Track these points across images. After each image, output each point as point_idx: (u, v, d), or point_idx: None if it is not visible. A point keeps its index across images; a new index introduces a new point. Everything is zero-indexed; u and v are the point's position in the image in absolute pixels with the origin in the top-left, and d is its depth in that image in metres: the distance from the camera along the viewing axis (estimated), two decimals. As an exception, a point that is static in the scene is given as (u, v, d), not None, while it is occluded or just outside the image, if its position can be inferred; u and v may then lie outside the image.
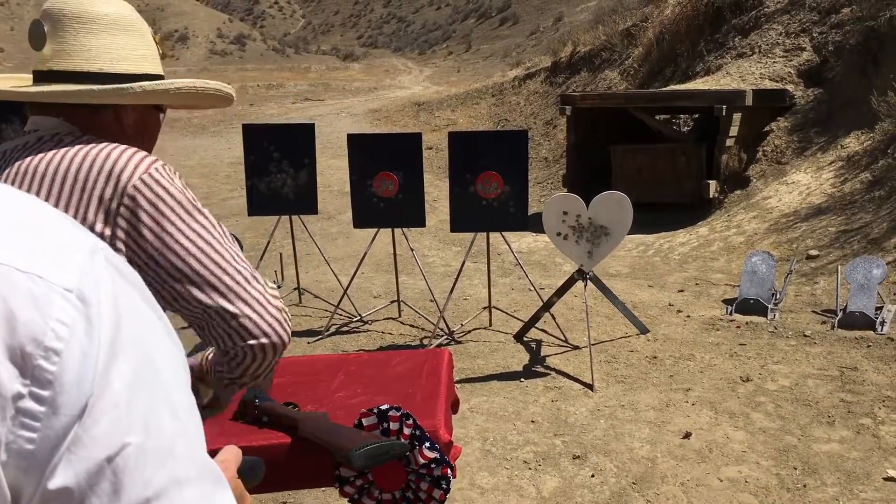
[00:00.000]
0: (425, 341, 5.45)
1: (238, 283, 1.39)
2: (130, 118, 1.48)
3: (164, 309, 1.34)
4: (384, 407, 1.98)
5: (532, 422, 4.25)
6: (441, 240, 8.43)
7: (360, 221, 5.66)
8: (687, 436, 4.00)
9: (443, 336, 5.48)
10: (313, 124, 6.02)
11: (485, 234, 5.53)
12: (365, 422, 1.99)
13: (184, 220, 1.35)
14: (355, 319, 5.90)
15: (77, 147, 1.35)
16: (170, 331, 0.64)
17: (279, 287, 6.86)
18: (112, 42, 1.44)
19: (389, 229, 5.84)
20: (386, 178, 5.51)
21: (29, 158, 1.35)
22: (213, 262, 1.37)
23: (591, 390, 4.60)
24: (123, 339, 0.57)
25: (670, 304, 6.09)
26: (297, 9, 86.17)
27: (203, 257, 1.36)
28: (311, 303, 6.37)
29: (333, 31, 78.58)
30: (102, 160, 1.33)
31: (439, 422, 2.07)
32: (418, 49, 63.03)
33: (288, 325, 1.46)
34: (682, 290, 6.44)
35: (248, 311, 1.39)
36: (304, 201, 5.95)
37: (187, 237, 1.35)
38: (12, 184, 1.31)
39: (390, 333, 5.69)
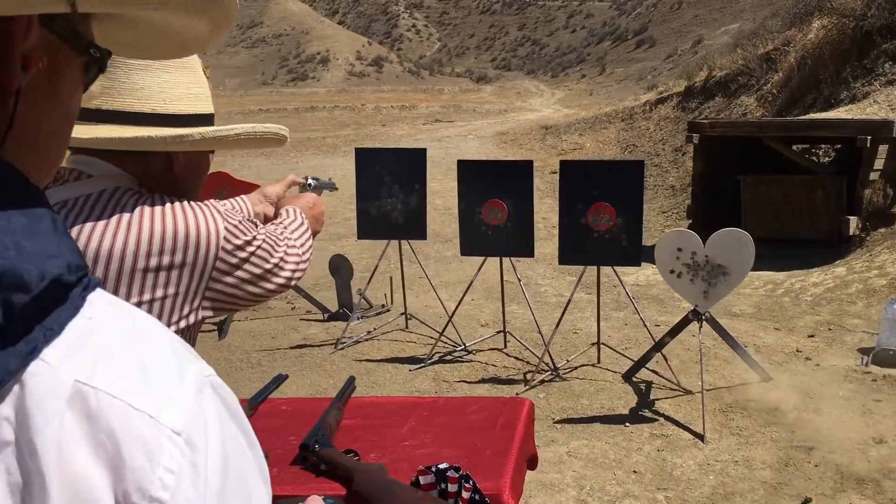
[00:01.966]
0: (528, 376, 5.26)
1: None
2: (182, 162, 1.42)
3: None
4: (443, 466, 1.83)
5: (634, 472, 3.98)
6: (556, 268, 8.20)
7: (467, 249, 5.56)
8: (807, 501, 3.64)
9: (547, 371, 5.27)
10: (424, 150, 5.98)
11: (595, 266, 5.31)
12: (422, 480, 1.85)
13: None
14: (459, 349, 5.79)
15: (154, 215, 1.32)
16: (264, 472, 0.62)
17: (388, 311, 6.87)
18: (166, 80, 1.38)
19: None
20: (495, 206, 5.38)
21: (111, 229, 1.30)
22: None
23: (702, 441, 4.28)
24: (229, 487, 0.56)
25: (798, 351, 5.64)
26: (434, 31, 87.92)
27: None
28: (418, 329, 6.31)
29: (468, 53, 79.62)
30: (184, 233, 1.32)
31: (505, 484, 1.90)
32: (551, 72, 62.88)
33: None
34: (812, 336, 5.96)
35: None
36: (412, 226, 5.90)
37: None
38: (95, 261, 1.28)
39: (493, 365, 5.53)
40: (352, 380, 2.50)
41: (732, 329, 5.54)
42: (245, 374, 5.47)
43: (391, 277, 6.99)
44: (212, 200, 1.41)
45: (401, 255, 6.25)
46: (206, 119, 1.44)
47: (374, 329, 6.35)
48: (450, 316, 5.82)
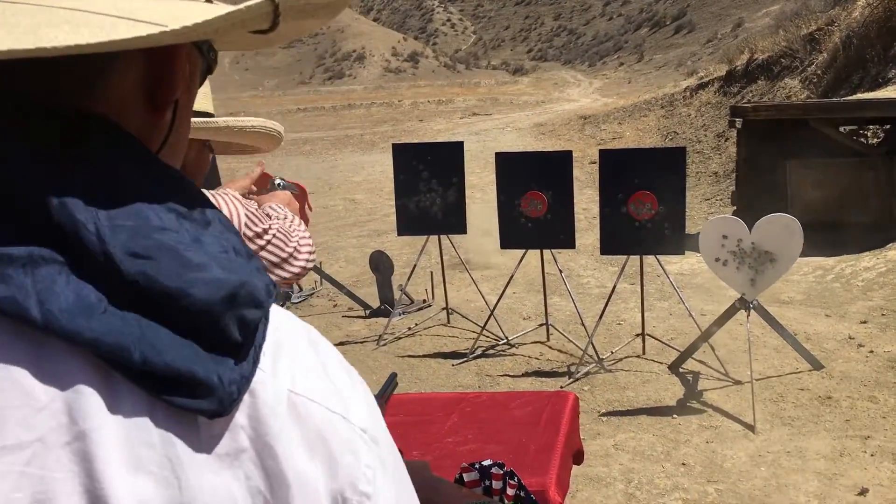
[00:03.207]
0: (572, 368, 5.20)
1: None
2: (192, 155, 1.47)
3: None
4: (486, 463, 1.80)
5: (683, 464, 3.91)
6: (598, 259, 8.10)
7: (507, 242, 5.52)
8: (863, 492, 3.53)
9: (591, 363, 5.21)
10: (461, 143, 5.94)
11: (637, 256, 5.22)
12: (466, 477, 1.82)
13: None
14: (502, 342, 5.74)
15: None
16: None
17: (430, 306, 6.85)
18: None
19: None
20: (535, 198, 5.32)
21: None
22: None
23: (753, 432, 4.19)
24: (401, 478, 0.60)
25: (850, 338, 5.49)
26: (469, 25, 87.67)
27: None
28: (460, 323, 6.28)
29: (504, 45, 79.26)
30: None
31: (550, 480, 1.87)
32: (588, 61, 62.29)
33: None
34: (864, 322, 5.79)
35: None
36: (451, 220, 5.87)
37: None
38: None
39: (537, 358, 5.48)
40: (393, 377, 2.48)
41: (781, 317, 5.41)
42: (289, 372, 5.50)
43: (432, 272, 6.97)
44: (228, 189, 1.45)
45: (440, 249, 6.23)
46: (205, 116, 1.50)
47: (416, 324, 6.34)
48: (491, 310, 5.79)
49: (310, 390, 0.54)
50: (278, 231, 1.51)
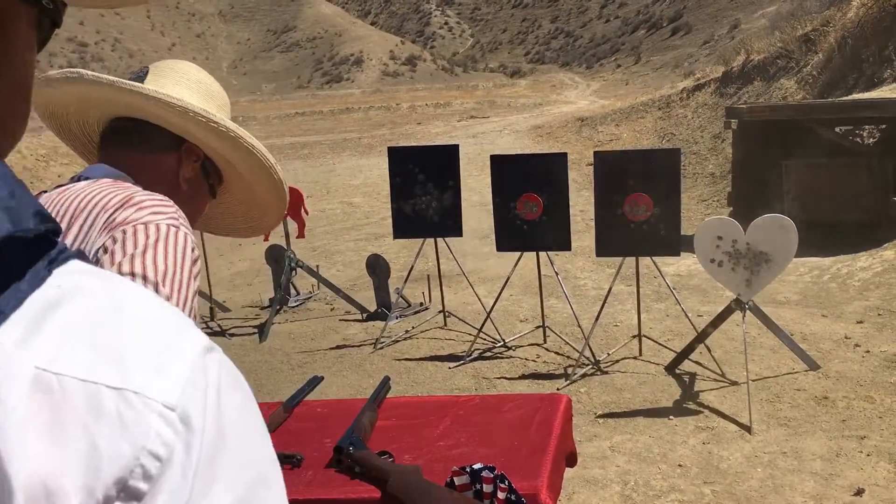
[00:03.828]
0: (569, 370, 5.20)
1: None
2: (188, 172, 1.46)
3: None
4: (477, 467, 1.80)
5: (679, 466, 3.91)
6: (595, 261, 8.10)
7: (502, 244, 5.52)
8: (859, 492, 3.53)
9: (588, 365, 5.21)
10: (457, 146, 5.93)
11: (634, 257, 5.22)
12: (457, 481, 1.82)
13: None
14: (498, 345, 5.74)
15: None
16: (275, 459, 0.54)
17: (426, 309, 6.85)
18: (197, 101, 1.45)
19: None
20: (530, 200, 5.33)
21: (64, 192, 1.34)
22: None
23: (749, 433, 4.18)
24: (229, 472, 0.47)
25: (847, 338, 5.49)
26: (466, 28, 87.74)
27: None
28: (456, 326, 6.28)
29: (501, 48, 79.32)
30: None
31: (542, 483, 1.87)
32: (586, 63, 62.35)
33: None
34: (861, 322, 5.80)
35: None
36: (447, 223, 5.87)
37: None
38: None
39: (533, 361, 5.48)
40: (386, 380, 2.48)
41: (778, 317, 5.42)
42: (286, 376, 5.50)
43: (428, 275, 6.97)
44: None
45: (437, 252, 6.23)
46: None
47: (413, 328, 6.34)
48: (488, 312, 5.79)
49: (74, 367, 0.44)
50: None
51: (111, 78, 1.38)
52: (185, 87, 1.47)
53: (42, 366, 0.43)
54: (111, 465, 0.43)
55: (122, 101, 1.38)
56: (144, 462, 0.44)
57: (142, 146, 1.42)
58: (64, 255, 0.48)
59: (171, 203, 1.30)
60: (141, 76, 1.47)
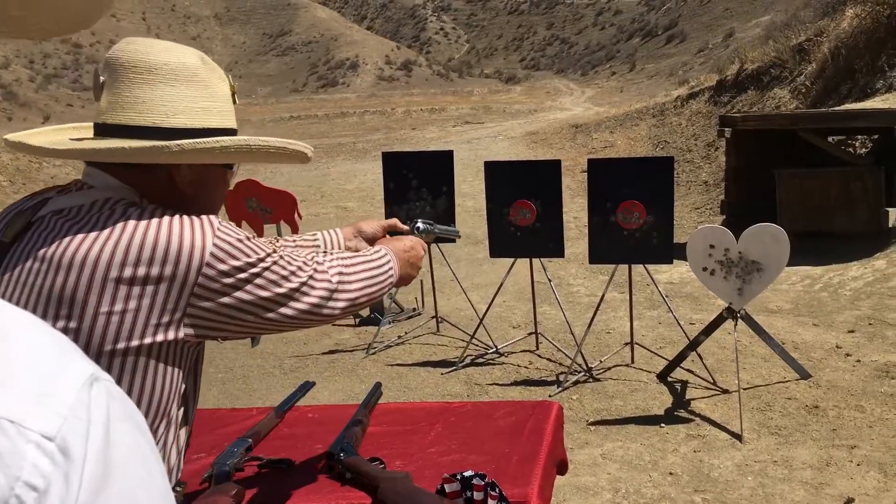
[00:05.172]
0: (561, 377, 5.20)
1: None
2: (186, 177, 1.39)
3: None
4: (468, 474, 1.80)
5: (670, 474, 3.91)
6: (588, 268, 8.12)
7: (496, 251, 5.52)
8: (849, 502, 3.54)
9: (580, 372, 5.21)
10: (451, 151, 5.95)
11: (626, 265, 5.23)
12: (447, 488, 1.82)
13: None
14: (491, 351, 5.75)
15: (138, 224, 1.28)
16: (167, 489, 0.53)
17: (419, 314, 6.85)
18: (169, 93, 1.35)
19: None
20: (523, 207, 5.33)
21: (92, 235, 1.27)
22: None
23: (740, 441, 4.19)
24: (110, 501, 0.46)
25: (838, 347, 5.51)
26: (462, 33, 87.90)
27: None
28: (449, 332, 6.28)
29: (497, 54, 79.49)
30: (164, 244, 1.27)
31: (532, 491, 1.87)
32: (581, 70, 62.55)
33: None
34: (852, 331, 5.82)
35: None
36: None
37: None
38: (56, 260, 1.25)
39: (526, 367, 5.48)
40: (378, 386, 2.48)
41: (769, 326, 5.44)
42: (278, 381, 5.49)
43: (422, 280, 6.96)
44: (212, 217, 1.34)
45: (430, 257, 6.23)
46: (217, 132, 1.42)
47: (406, 333, 6.34)
48: (481, 318, 5.79)
49: None
50: (275, 264, 1.34)
51: (50, 146, 1.35)
52: (150, 87, 1.34)
53: None
54: None
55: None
56: (20, 493, 0.42)
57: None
58: None
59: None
60: (98, 84, 1.37)
